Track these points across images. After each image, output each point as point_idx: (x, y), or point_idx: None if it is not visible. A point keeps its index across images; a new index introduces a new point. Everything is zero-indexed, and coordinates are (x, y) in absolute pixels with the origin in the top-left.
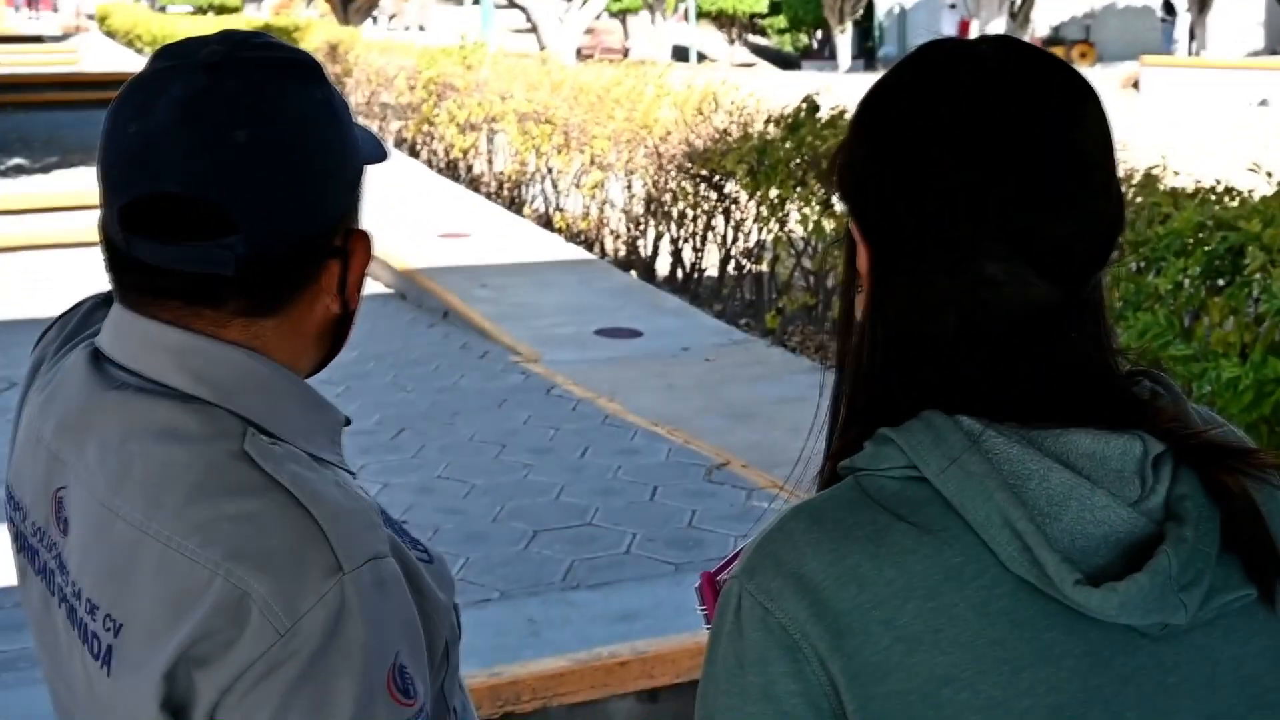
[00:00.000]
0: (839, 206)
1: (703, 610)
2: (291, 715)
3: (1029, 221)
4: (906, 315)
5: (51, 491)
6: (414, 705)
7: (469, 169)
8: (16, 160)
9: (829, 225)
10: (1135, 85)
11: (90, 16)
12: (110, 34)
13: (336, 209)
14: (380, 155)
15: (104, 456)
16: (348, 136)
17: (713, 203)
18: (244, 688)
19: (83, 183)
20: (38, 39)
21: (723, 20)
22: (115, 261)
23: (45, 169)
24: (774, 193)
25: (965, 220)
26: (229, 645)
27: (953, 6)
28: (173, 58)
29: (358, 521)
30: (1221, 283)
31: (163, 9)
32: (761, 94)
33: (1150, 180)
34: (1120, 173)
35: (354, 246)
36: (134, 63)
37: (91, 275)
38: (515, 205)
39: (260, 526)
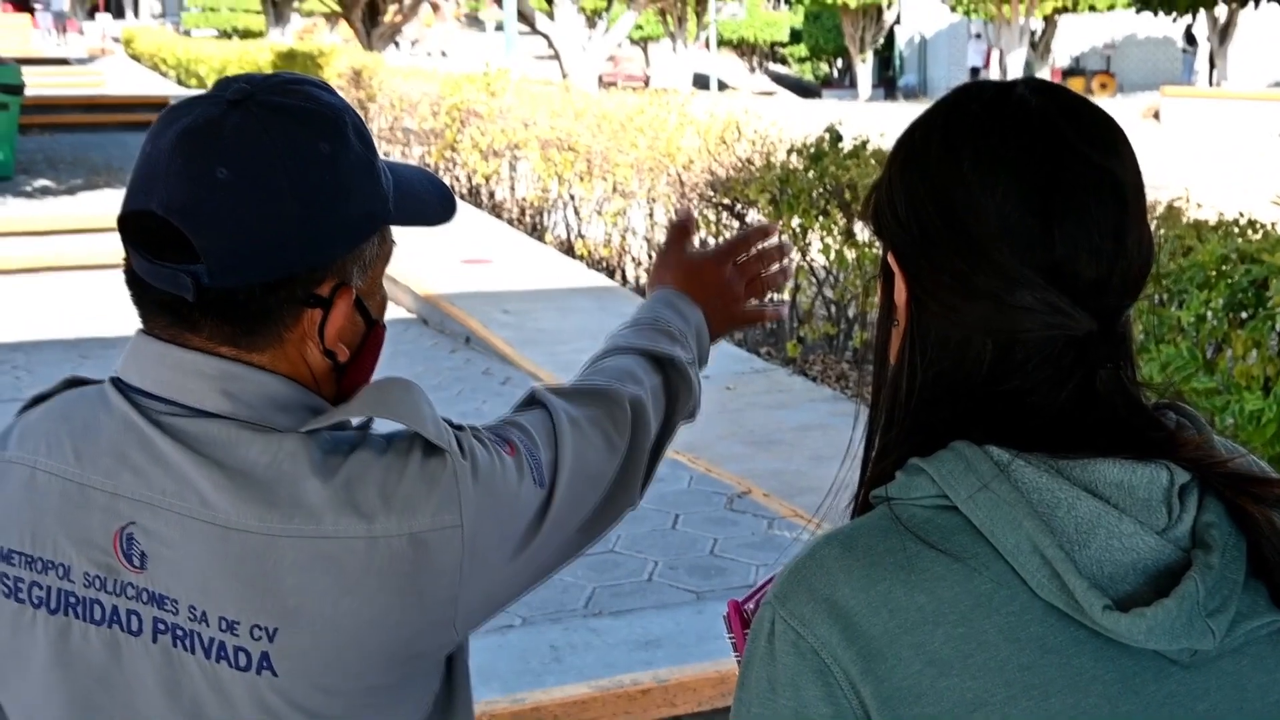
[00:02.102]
0: (861, 237)
1: (731, 639)
2: (505, 544)
3: (1068, 253)
4: (944, 346)
5: (113, 533)
6: (515, 452)
7: (491, 195)
8: (42, 181)
9: (851, 255)
10: (1156, 116)
11: (116, 39)
12: (135, 57)
13: (316, 260)
14: (436, 216)
15: (186, 480)
16: (350, 194)
17: (734, 231)
18: (468, 570)
19: (108, 205)
20: (64, 61)
21: (743, 48)
22: (125, 271)
23: (71, 190)
24: (796, 222)
25: (1004, 252)
26: (431, 569)
27: (978, 36)
28: (215, 89)
29: (420, 412)
30: (1245, 315)
31: (187, 33)
32: (782, 123)
33: (1173, 212)
34: None
35: (336, 300)
36: (158, 86)
37: (115, 298)
38: (537, 232)
39: (374, 480)
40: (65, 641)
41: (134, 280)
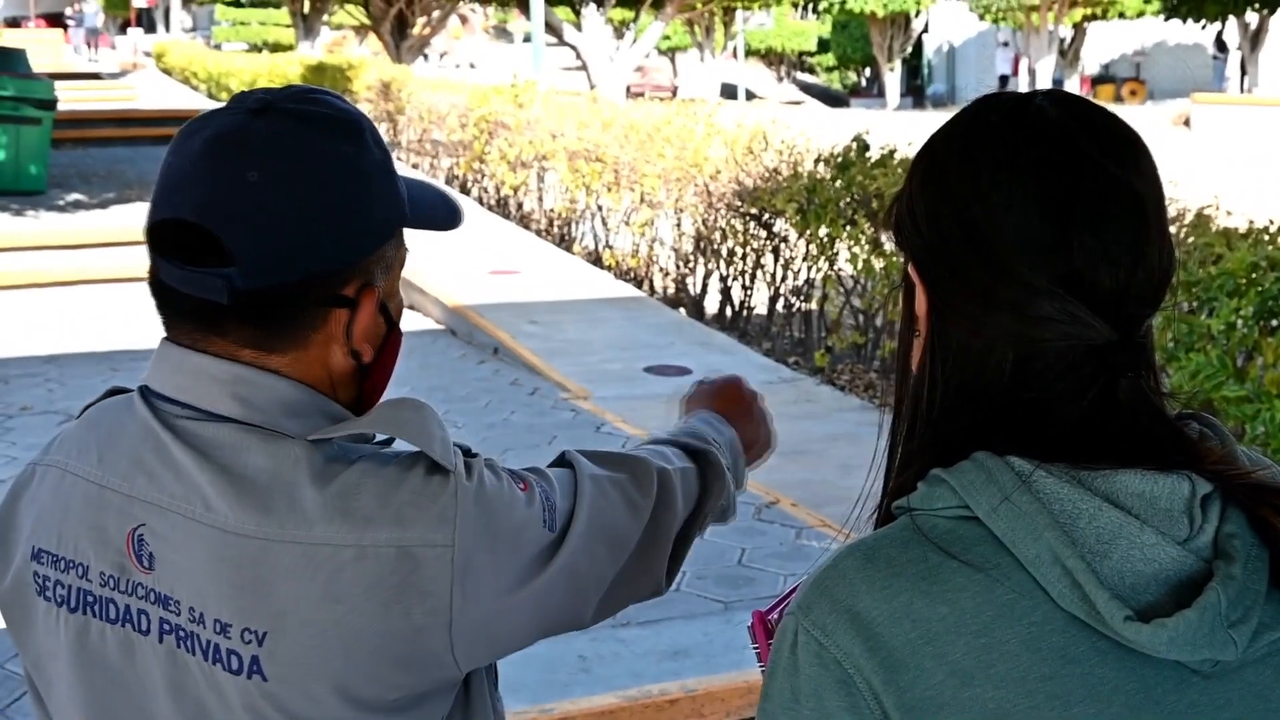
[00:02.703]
0: (889, 246)
1: (755, 649)
2: (502, 574)
3: (1086, 263)
4: (964, 356)
5: (126, 533)
6: (528, 489)
7: (519, 206)
8: (75, 195)
9: (878, 264)
10: (1186, 123)
11: (147, 54)
12: (166, 71)
13: (343, 260)
14: (444, 222)
15: (189, 483)
16: (373, 195)
17: (762, 241)
18: (459, 595)
19: (139, 218)
20: (96, 76)
21: (771, 58)
22: (150, 282)
23: (103, 204)
24: (823, 231)
25: (1023, 263)
26: (418, 587)
27: (1005, 44)
28: (234, 101)
29: (429, 432)
30: (1275, 323)
31: (218, 47)
32: (810, 132)
33: (1202, 220)
34: (1172, 212)
35: (362, 300)
36: (190, 99)
37: (146, 311)
38: (565, 243)
39: (371, 490)
40: (84, 640)
41: (160, 289)
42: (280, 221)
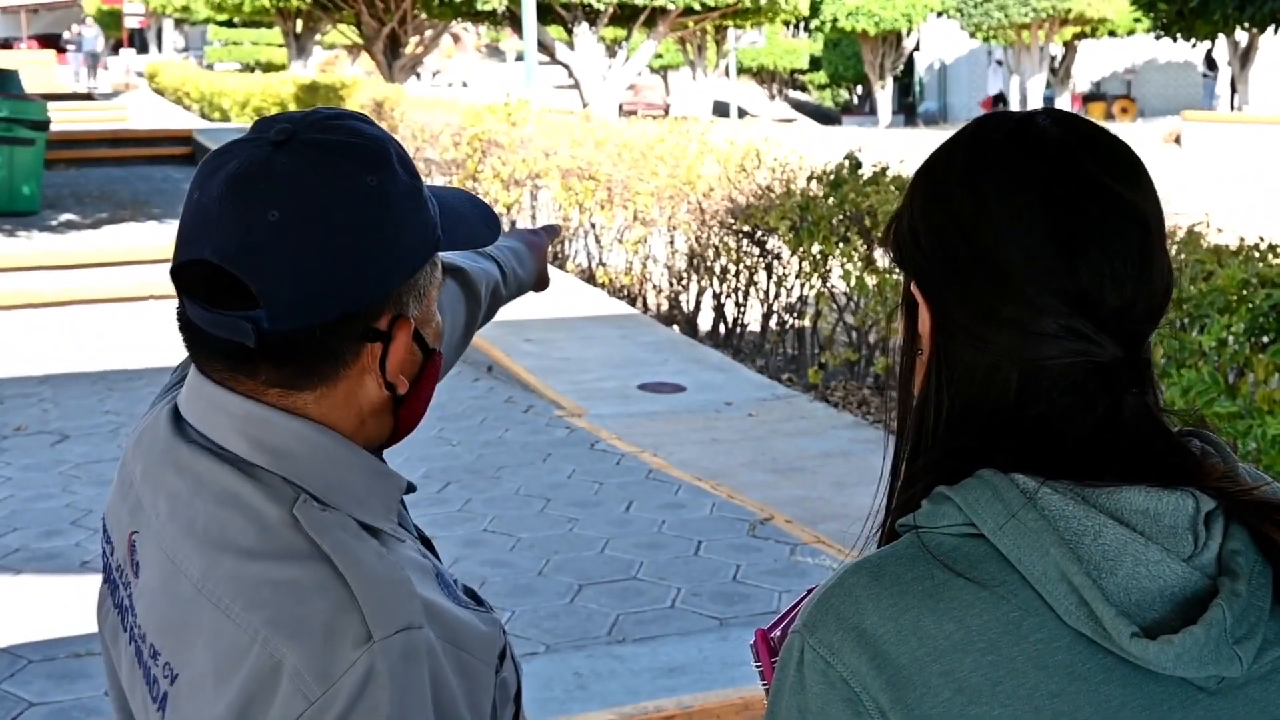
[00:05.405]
0: (882, 263)
1: (758, 667)
2: None
3: (1092, 281)
4: (969, 374)
5: (128, 534)
6: None
7: (513, 224)
8: (68, 215)
9: (871, 281)
10: (1177, 141)
11: (140, 74)
12: (159, 91)
13: (373, 294)
14: (484, 239)
15: (174, 510)
16: (402, 224)
17: (755, 258)
18: None
19: (133, 238)
20: (89, 96)
21: (763, 76)
22: (179, 320)
23: (96, 224)
24: (816, 249)
25: (1029, 282)
26: (267, 710)
27: (1000, 63)
28: (255, 131)
29: (393, 591)
30: (1266, 340)
31: (210, 67)
32: (803, 150)
33: (1193, 237)
34: None
35: (396, 332)
36: (182, 119)
37: (140, 331)
38: (558, 260)
39: (299, 595)
40: (103, 608)
41: (188, 327)
42: (306, 261)
